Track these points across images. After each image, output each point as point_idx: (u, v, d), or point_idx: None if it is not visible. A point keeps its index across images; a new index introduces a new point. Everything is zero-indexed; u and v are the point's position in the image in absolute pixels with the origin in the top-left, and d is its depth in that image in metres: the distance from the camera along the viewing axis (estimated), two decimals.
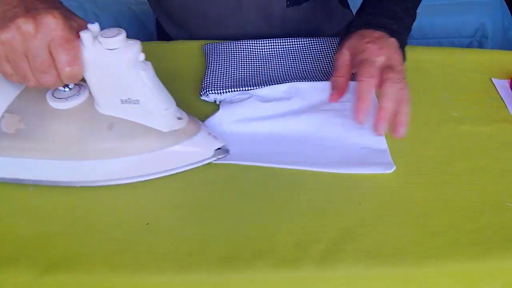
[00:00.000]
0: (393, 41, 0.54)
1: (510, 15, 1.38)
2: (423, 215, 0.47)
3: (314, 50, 0.68)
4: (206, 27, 0.75)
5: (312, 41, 0.69)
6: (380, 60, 0.51)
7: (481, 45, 1.36)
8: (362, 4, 0.63)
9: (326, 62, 0.66)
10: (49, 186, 0.49)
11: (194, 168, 0.50)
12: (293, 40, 0.69)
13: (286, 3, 0.72)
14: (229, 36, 0.71)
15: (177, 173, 0.49)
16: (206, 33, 0.75)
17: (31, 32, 0.39)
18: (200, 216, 0.47)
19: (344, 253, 0.43)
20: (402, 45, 0.56)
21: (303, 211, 0.47)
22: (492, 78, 0.66)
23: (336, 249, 0.43)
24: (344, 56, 0.55)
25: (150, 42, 0.74)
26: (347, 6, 0.85)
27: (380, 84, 0.49)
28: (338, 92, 0.54)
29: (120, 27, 0.43)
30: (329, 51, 0.68)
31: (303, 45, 0.69)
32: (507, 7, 1.38)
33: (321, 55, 0.67)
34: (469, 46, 1.36)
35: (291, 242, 0.44)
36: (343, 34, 0.59)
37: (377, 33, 0.54)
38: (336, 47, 0.68)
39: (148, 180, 0.50)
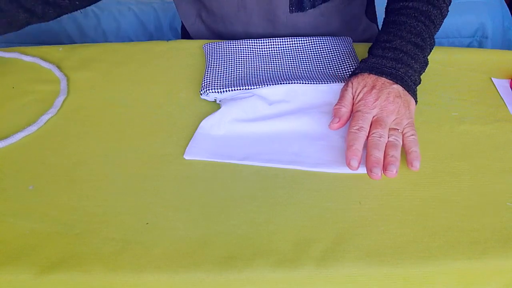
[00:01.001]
0: (394, 89, 0.54)
1: (510, 15, 1.38)
2: (423, 214, 0.47)
3: (316, 50, 0.68)
4: (216, 23, 0.75)
5: (314, 41, 0.69)
6: (373, 112, 0.53)
7: (481, 45, 1.36)
8: (375, 40, 0.62)
9: (328, 62, 0.66)
10: (49, 186, 0.50)
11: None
12: (294, 39, 0.69)
13: (289, 9, 0.72)
14: (235, 35, 0.71)
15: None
16: (218, 28, 0.76)
17: None
18: (200, 216, 0.47)
19: (344, 253, 0.43)
20: (411, 87, 0.56)
21: (303, 211, 0.47)
22: (492, 78, 0.66)
23: (336, 248, 0.43)
24: (349, 91, 0.56)
25: (150, 42, 0.74)
26: (373, 19, 0.84)
27: (368, 137, 0.52)
28: (339, 121, 0.55)
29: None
30: (331, 50, 0.68)
31: (304, 44, 0.69)
32: (507, 7, 1.38)
33: (323, 55, 0.67)
34: (469, 46, 1.36)
35: (291, 241, 0.44)
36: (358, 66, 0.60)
37: (379, 82, 0.55)
38: (338, 46, 0.68)
39: (148, 179, 0.50)
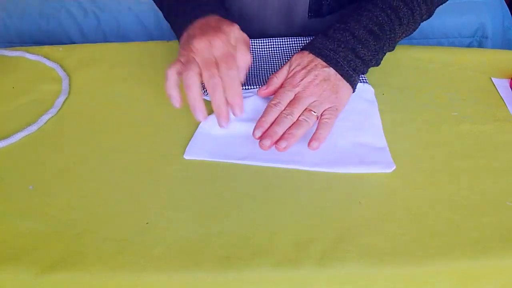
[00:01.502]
0: (324, 72, 0.55)
1: (510, 15, 1.38)
2: (423, 214, 0.47)
3: None
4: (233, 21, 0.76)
5: None
6: (295, 90, 0.54)
7: (481, 45, 1.36)
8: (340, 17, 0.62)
9: None
10: (49, 186, 0.50)
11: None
12: (294, 39, 0.69)
13: (308, 15, 0.73)
14: (251, 36, 0.71)
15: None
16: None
17: (201, 49, 0.50)
18: (200, 215, 0.47)
19: (344, 253, 0.43)
20: (348, 73, 0.56)
21: (303, 211, 0.47)
22: (492, 78, 0.66)
23: (336, 248, 0.43)
24: (287, 65, 0.57)
25: (150, 42, 0.74)
26: None
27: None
28: (267, 89, 0.56)
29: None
30: None
31: (304, 43, 0.69)
32: (507, 7, 1.38)
33: None
34: (469, 46, 1.36)
35: (291, 241, 0.44)
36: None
37: (313, 63, 0.56)
38: None
39: (148, 179, 0.50)
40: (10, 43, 1.31)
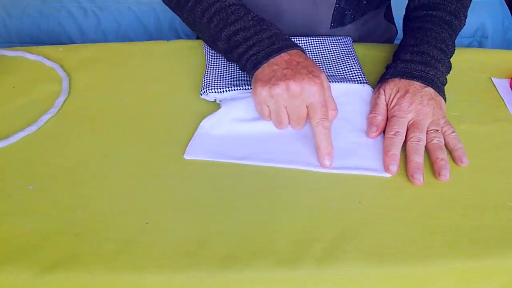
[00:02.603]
0: (426, 92, 0.56)
1: (510, 15, 1.38)
2: (423, 214, 0.47)
3: (316, 50, 0.68)
4: None
5: (313, 41, 0.69)
6: (409, 116, 0.54)
7: (481, 45, 1.36)
8: (400, 45, 0.64)
9: (328, 62, 0.66)
10: (49, 186, 0.50)
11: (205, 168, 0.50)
12: (295, 39, 0.69)
13: (331, 25, 0.73)
14: None
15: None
16: None
17: (296, 93, 0.50)
18: (200, 215, 0.47)
19: (344, 253, 0.43)
20: (440, 88, 0.58)
21: (303, 211, 0.47)
22: (492, 78, 0.66)
23: (336, 248, 0.43)
24: (382, 98, 0.57)
25: (150, 42, 0.74)
26: (391, 20, 0.86)
27: (406, 141, 0.53)
28: (377, 130, 0.55)
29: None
30: (331, 50, 0.68)
31: (304, 44, 0.69)
32: (507, 7, 1.38)
33: (323, 55, 0.67)
34: (469, 46, 1.36)
35: (291, 241, 0.44)
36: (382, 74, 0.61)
37: (411, 86, 0.56)
38: (338, 46, 0.68)
39: (148, 179, 0.51)
40: (10, 43, 1.31)
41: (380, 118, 0.56)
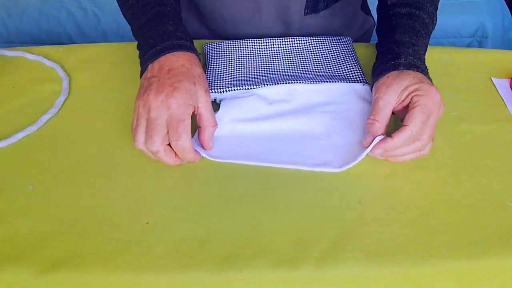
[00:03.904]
0: (433, 90, 0.52)
1: (510, 15, 1.38)
2: (423, 214, 0.47)
3: (316, 50, 0.68)
4: (226, 28, 0.76)
5: (314, 41, 0.69)
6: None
7: (481, 45, 1.36)
8: (380, 47, 0.62)
9: (328, 62, 0.66)
10: (49, 186, 0.50)
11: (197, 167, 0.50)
12: (294, 39, 0.69)
13: (304, 12, 0.73)
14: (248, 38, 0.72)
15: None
16: (226, 34, 0.76)
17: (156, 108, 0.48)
18: (200, 215, 0.47)
19: (344, 253, 0.43)
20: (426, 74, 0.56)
21: (303, 211, 0.47)
22: (492, 78, 0.66)
23: (336, 248, 0.43)
24: (388, 99, 0.53)
25: None
26: (368, 12, 0.85)
27: None
28: (374, 137, 0.52)
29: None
30: (331, 50, 0.68)
31: (304, 44, 0.69)
32: (507, 7, 1.38)
33: (323, 55, 0.67)
34: (469, 46, 1.36)
35: (291, 241, 0.44)
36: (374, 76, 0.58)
37: (415, 75, 0.53)
38: (338, 46, 0.68)
39: (148, 179, 0.50)
40: (10, 43, 1.31)
41: (378, 125, 0.52)
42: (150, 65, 0.52)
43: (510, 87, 0.64)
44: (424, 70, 0.55)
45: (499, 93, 0.63)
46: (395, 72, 0.54)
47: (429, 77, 0.55)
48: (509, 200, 0.48)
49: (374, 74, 0.58)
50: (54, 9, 1.29)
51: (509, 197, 0.49)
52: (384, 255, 0.43)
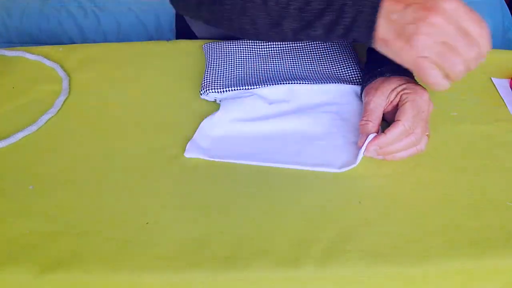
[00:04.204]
0: (421, 88, 0.53)
1: (510, 15, 1.38)
2: (423, 214, 0.47)
3: (316, 50, 0.68)
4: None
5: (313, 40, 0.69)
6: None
7: None
8: (369, 53, 0.62)
9: (328, 62, 0.66)
10: (49, 186, 0.50)
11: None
12: None
13: None
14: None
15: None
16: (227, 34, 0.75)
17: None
18: (200, 215, 0.47)
19: (344, 253, 0.43)
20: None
21: (303, 211, 0.47)
22: (492, 78, 0.66)
23: (336, 248, 0.43)
24: (378, 101, 0.53)
25: (150, 42, 0.74)
26: None
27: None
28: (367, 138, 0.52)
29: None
30: (331, 51, 0.68)
31: (304, 44, 0.69)
32: (507, 7, 1.38)
33: (323, 55, 0.67)
34: None
35: (291, 241, 0.44)
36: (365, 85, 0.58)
37: (401, 79, 0.54)
38: (338, 46, 0.68)
39: (148, 179, 0.50)
40: (10, 43, 1.31)
41: (372, 126, 0.53)
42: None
43: (510, 87, 0.64)
44: (410, 75, 0.56)
45: (499, 93, 0.63)
46: (382, 78, 0.55)
47: (415, 81, 0.55)
48: (509, 200, 0.48)
49: (363, 80, 0.59)
50: (54, 9, 1.29)
51: (509, 197, 0.49)
52: (384, 255, 0.43)
